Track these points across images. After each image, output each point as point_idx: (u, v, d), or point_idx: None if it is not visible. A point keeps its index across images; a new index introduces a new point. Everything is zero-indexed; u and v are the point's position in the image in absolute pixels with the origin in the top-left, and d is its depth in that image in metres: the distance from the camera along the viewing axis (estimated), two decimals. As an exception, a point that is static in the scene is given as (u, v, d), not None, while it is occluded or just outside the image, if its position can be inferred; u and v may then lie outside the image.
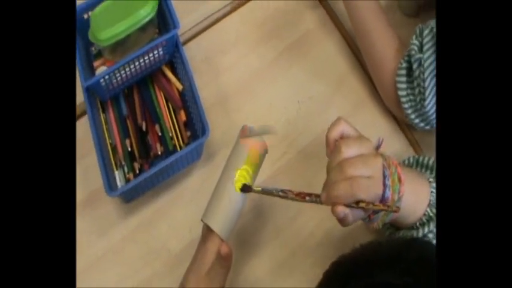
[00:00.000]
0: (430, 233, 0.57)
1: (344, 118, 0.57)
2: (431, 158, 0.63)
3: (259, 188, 0.59)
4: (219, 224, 0.59)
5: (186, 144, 0.76)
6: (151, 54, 0.74)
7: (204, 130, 0.70)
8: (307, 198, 0.55)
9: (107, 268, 0.72)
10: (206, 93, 0.79)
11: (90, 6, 0.77)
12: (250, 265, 0.72)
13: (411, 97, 0.71)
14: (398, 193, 0.53)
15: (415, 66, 0.68)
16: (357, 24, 0.77)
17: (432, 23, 0.67)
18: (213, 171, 0.74)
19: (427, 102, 0.68)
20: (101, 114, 0.77)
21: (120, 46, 0.77)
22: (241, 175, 0.60)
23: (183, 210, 0.75)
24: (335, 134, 0.56)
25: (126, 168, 0.74)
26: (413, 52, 0.68)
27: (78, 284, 0.65)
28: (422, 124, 0.72)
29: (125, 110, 0.78)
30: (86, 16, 0.77)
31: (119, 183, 0.73)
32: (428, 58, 0.67)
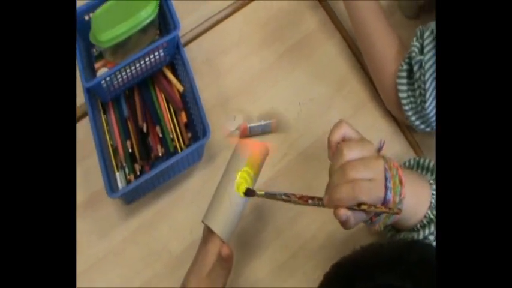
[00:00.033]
0: (431, 235, 0.57)
1: (346, 120, 0.57)
2: (431, 160, 0.63)
3: (263, 192, 0.59)
4: (220, 225, 0.59)
5: (187, 146, 0.76)
6: (152, 56, 0.74)
7: (205, 131, 0.70)
8: (310, 201, 0.56)
9: (107, 269, 0.72)
10: (207, 94, 0.79)
11: (91, 8, 0.77)
12: (251, 266, 0.72)
13: (412, 99, 0.71)
14: (400, 195, 0.54)
15: (415, 68, 0.68)
16: (357, 25, 0.76)
17: (433, 24, 0.67)
18: (214, 173, 0.74)
19: (427, 104, 0.68)
20: (102, 115, 0.77)
21: (121, 48, 0.77)
22: (242, 177, 0.60)
23: (184, 211, 0.75)
24: (337, 136, 0.57)
25: (127, 170, 0.74)
26: (414, 54, 0.68)
27: (78, 285, 0.65)
28: (422, 126, 0.72)
29: (125, 111, 0.78)
30: (86, 18, 0.77)
31: (119, 185, 0.73)
32: (429, 60, 0.66)
